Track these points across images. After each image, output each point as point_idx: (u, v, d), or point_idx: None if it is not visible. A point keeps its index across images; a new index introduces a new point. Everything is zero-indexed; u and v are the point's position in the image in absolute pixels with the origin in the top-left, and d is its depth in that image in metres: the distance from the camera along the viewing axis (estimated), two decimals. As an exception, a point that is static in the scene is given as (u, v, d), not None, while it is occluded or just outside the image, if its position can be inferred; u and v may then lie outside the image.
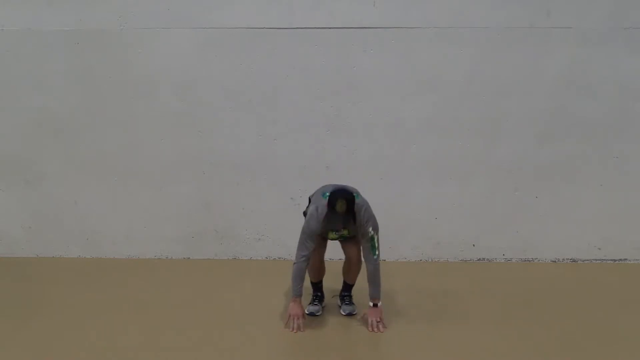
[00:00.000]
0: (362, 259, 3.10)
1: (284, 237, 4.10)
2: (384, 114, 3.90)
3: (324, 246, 3.19)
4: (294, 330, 3.01)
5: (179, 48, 3.84)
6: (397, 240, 4.09)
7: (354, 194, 2.96)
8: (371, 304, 3.07)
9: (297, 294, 3.04)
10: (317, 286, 3.32)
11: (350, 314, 3.22)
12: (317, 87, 3.87)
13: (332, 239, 3.16)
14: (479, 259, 4.14)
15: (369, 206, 3.02)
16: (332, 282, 3.39)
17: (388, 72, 3.83)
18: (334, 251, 3.31)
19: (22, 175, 4.10)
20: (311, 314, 3.23)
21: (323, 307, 3.32)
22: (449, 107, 3.88)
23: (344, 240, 3.18)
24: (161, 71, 3.89)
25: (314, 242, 2.99)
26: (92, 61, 3.88)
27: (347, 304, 3.26)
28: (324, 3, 3.74)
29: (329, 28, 3.77)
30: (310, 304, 3.29)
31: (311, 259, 3.03)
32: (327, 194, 2.97)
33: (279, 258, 4.14)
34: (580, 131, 3.91)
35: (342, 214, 2.89)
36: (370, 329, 3.04)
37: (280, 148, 3.98)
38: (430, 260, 4.14)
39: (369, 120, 3.90)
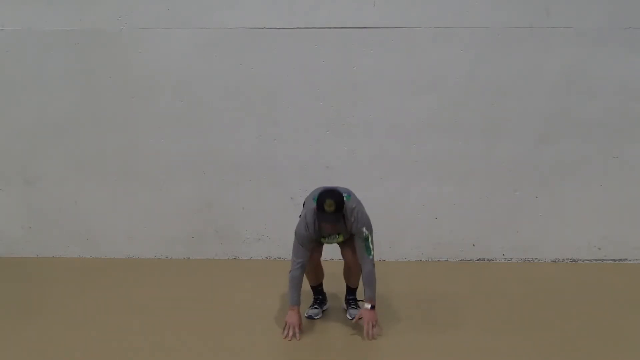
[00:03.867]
0: (358, 260, 3.01)
1: (284, 237, 4.07)
2: (384, 114, 3.90)
3: (320, 250, 3.13)
4: (289, 338, 2.96)
5: (179, 48, 3.84)
6: (397, 240, 4.09)
7: (344, 195, 2.88)
8: (368, 305, 2.99)
9: (294, 303, 2.98)
10: (317, 289, 3.28)
11: None
12: (317, 87, 3.87)
13: (328, 243, 3.10)
14: (479, 259, 4.13)
15: (361, 205, 2.96)
16: (336, 284, 3.39)
17: (388, 72, 3.82)
18: (334, 252, 3.31)
19: (22, 175, 4.10)
20: (310, 317, 3.19)
21: (324, 310, 3.27)
22: (449, 107, 3.88)
23: (341, 244, 3.12)
24: (161, 71, 3.88)
25: (307, 248, 2.94)
26: (92, 61, 3.88)
27: (352, 307, 3.22)
28: (324, 3, 3.74)
29: (329, 28, 3.77)
30: (310, 307, 3.25)
31: (307, 263, 2.98)
32: (317, 196, 2.89)
33: (279, 258, 4.14)
34: (580, 131, 3.90)
35: (332, 218, 2.80)
36: (365, 334, 2.96)
37: (280, 148, 3.98)
38: (430, 260, 4.14)
39: (369, 120, 3.90)
